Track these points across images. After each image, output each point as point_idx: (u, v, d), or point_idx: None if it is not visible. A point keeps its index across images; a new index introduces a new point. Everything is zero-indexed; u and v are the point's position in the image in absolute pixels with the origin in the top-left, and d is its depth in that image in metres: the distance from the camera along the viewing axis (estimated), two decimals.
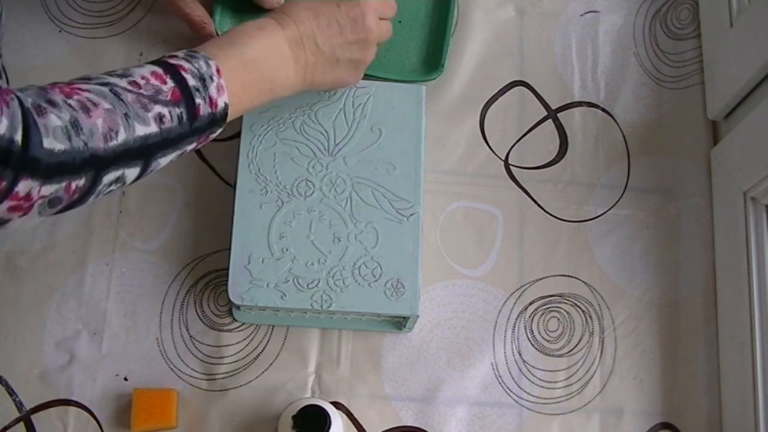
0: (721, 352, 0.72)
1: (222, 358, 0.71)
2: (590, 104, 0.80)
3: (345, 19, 0.63)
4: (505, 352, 0.72)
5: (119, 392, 0.69)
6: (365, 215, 0.67)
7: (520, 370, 0.72)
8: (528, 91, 0.80)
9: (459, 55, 0.80)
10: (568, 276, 0.75)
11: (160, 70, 0.53)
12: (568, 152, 0.78)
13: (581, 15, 0.83)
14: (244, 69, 0.57)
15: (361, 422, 0.70)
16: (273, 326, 0.71)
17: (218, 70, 0.55)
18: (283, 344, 0.71)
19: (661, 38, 0.82)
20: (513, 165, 0.78)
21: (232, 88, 0.56)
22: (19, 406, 0.68)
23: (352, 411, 0.70)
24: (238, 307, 0.67)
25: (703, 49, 0.81)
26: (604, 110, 0.80)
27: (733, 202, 0.72)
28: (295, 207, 0.67)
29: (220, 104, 0.55)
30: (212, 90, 0.54)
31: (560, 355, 0.73)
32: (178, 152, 0.55)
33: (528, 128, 0.79)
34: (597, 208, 0.77)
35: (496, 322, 0.73)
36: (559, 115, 0.80)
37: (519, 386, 0.72)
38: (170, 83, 0.52)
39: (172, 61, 0.54)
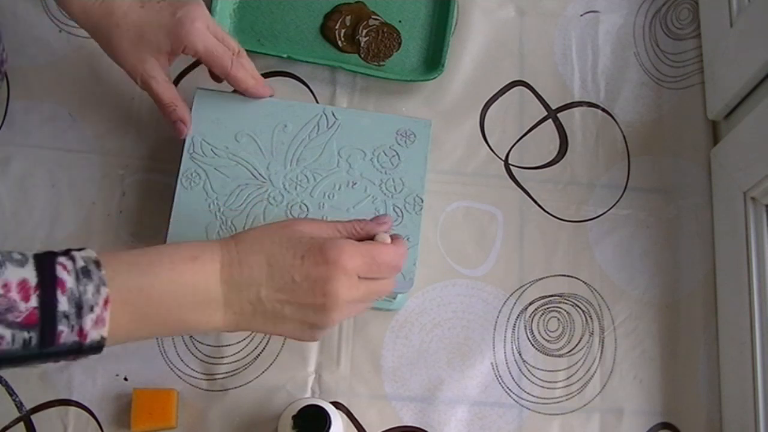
0: (721, 352, 0.72)
1: (222, 358, 0.71)
2: (590, 104, 0.80)
3: (302, 277, 0.51)
4: (505, 352, 0.72)
5: (119, 392, 0.69)
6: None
7: (520, 370, 0.72)
8: (528, 91, 0.80)
9: (459, 55, 0.80)
10: (568, 276, 0.75)
11: (31, 282, 0.44)
12: (568, 152, 0.78)
13: (581, 15, 0.83)
14: (145, 303, 0.49)
15: (361, 422, 0.70)
16: None
17: (106, 302, 0.46)
18: (283, 344, 0.71)
19: (661, 38, 0.82)
20: (513, 165, 0.78)
21: (120, 321, 0.47)
22: (19, 406, 0.68)
23: (352, 411, 0.70)
24: None
25: (703, 49, 0.81)
26: (604, 110, 0.80)
27: (733, 202, 0.72)
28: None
29: (93, 336, 0.46)
30: (86, 321, 0.46)
31: (560, 355, 0.73)
32: (24, 367, 0.47)
33: (528, 128, 0.79)
34: (597, 208, 0.77)
35: (496, 322, 0.73)
36: (559, 115, 0.80)
37: (519, 386, 0.72)
38: (33, 302, 0.44)
39: (59, 271, 0.46)
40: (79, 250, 0.48)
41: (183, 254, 0.51)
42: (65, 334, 0.45)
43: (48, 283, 0.45)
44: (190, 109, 0.68)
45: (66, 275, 0.46)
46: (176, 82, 0.77)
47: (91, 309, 0.46)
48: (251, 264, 0.52)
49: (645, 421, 0.71)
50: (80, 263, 0.47)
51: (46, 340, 0.45)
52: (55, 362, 0.47)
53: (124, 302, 0.47)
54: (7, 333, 0.44)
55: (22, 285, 0.44)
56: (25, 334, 0.44)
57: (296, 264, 0.52)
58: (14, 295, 0.44)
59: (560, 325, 0.73)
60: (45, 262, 0.46)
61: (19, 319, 0.44)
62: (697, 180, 0.77)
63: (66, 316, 0.45)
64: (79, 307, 0.45)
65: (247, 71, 0.67)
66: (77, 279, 0.46)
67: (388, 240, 0.57)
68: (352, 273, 0.52)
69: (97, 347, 0.47)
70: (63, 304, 0.45)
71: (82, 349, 0.46)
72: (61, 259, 0.46)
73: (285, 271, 0.52)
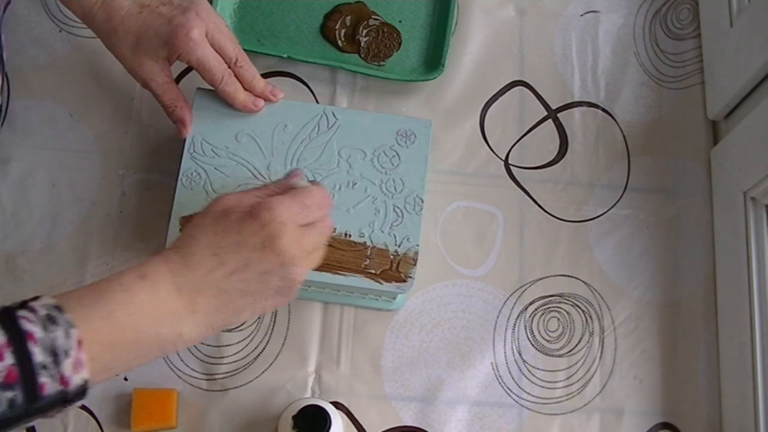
0: (721, 352, 0.72)
1: (222, 358, 0.71)
2: (590, 104, 0.80)
3: (250, 250, 0.52)
4: (505, 352, 0.72)
5: (119, 392, 0.69)
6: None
7: (520, 370, 0.72)
8: (528, 91, 0.80)
9: (459, 55, 0.80)
10: (568, 276, 0.75)
11: (1, 339, 0.43)
12: (568, 152, 0.78)
13: (581, 15, 0.83)
14: (115, 333, 0.48)
15: (361, 422, 0.70)
16: (273, 326, 0.71)
17: (80, 342, 0.45)
18: (283, 344, 0.71)
19: (661, 38, 0.82)
20: (513, 165, 0.78)
21: (98, 359, 0.47)
22: None
23: (352, 411, 0.70)
24: None
25: (703, 49, 0.81)
26: (604, 110, 0.80)
27: (733, 202, 0.72)
28: None
29: (75, 381, 0.45)
30: (66, 367, 0.45)
31: (560, 355, 0.73)
32: (16, 428, 0.45)
33: (528, 128, 0.79)
34: (597, 208, 0.77)
35: (496, 322, 0.73)
36: (559, 115, 0.80)
37: (519, 386, 0.72)
38: (8, 360, 0.43)
39: (25, 324, 0.44)
40: (35, 299, 0.47)
41: (131, 277, 0.50)
42: (48, 385, 0.44)
43: (18, 338, 0.43)
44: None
45: (32, 326, 0.44)
46: (176, 81, 0.76)
47: (67, 354, 0.45)
48: (198, 261, 0.52)
49: (645, 421, 0.71)
50: (42, 312, 0.45)
51: (31, 396, 0.44)
52: (48, 418, 0.46)
53: (95, 339, 0.47)
54: None
55: None
56: (9, 394, 0.43)
57: (239, 240, 0.52)
58: None
59: (560, 325, 0.73)
60: (6, 320, 0.44)
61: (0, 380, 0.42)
62: (697, 180, 0.77)
63: (44, 367, 0.44)
64: (55, 354, 0.44)
65: (238, 86, 0.67)
66: (44, 328, 0.45)
67: (308, 185, 0.58)
68: (291, 224, 0.53)
69: (82, 392, 0.46)
70: (38, 355, 0.44)
71: (68, 398, 0.45)
72: (22, 313, 0.45)
73: (232, 251, 0.52)
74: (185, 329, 0.51)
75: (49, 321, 0.45)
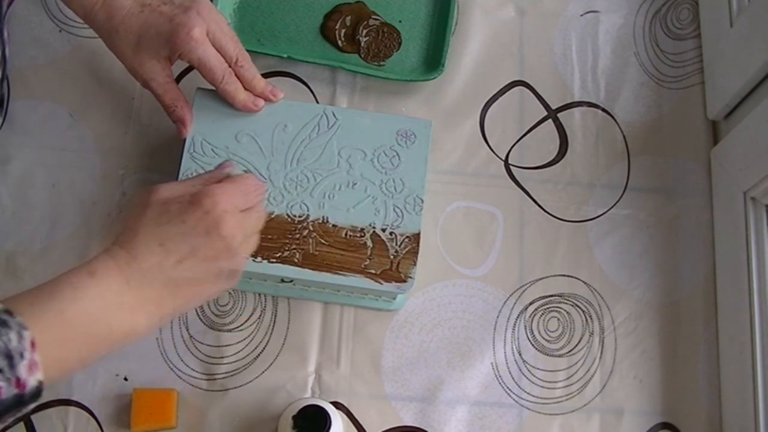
0: (721, 352, 0.72)
1: (222, 358, 0.71)
2: (590, 104, 0.80)
3: (195, 237, 0.54)
4: (505, 352, 0.72)
5: (119, 392, 0.69)
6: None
7: (520, 370, 0.72)
8: (528, 91, 0.80)
9: (459, 55, 0.80)
10: (568, 276, 0.75)
11: None
12: (568, 152, 0.78)
13: (581, 15, 0.83)
14: (66, 330, 0.48)
15: (361, 422, 0.70)
16: (273, 326, 0.71)
17: (33, 344, 0.45)
18: (283, 344, 0.71)
19: (661, 38, 0.82)
20: (513, 165, 0.78)
21: (52, 357, 0.47)
22: None
23: (352, 411, 0.70)
24: None
25: (703, 49, 0.81)
26: (604, 110, 0.80)
27: (733, 202, 0.72)
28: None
29: (31, 383, 0.45)
30: (21, 369, 0.44)
31: (560, 355, 0.73)
32: None
33: (528, 128, 0.79)
34: (597, 208, 0.77)
35: (496, 322, 0.73)
36: (559, 115, 0.80)
37: (519, 386, 0.72)
38: None
39: None
40: None
41: (79, 274, 0.51)
42: (4, 389, 0.43)
43: None
44: None
45: None
46: (177, 81, 0.77)
47: (21, 356, 0.44)
48: (145, 253, 0.52)
49: (645, 421, 0.71)
50: None
51: None
52: (2, 424, 0.45)
53: (47, 339, 0.46)
54: None
55: None
56: None
57: (183, 229, 0.53)
58: None
59: (560, 325, 0.73)
60: None
61: None
62: (697, 180, 0.77)
63: (0, 370, 0.43)
64: (10, 358, 0.44)
65: (238, 85, 0.67)
66: None
67: (241, 173, 0.61)
68: (233, 209, 0.55)
69: (37, 393, 0.46)
70: None
71: (23, 400, 0.45)
72: None
73: (178, 240, 0.53)
74: (137, 321, 0.52)
75: (1, 325, 0.44)
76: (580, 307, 0.74)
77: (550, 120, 0.79)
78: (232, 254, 0.55)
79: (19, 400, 0.45)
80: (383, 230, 0.66)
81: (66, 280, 0.50)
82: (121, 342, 0.52)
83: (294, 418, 0.59)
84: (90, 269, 0.51)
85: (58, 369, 0.48)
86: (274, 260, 0.65)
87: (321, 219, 0.66)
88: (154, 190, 0.56)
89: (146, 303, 0.52)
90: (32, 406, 0.46)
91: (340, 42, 0.80)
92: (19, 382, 0.44)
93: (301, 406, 0.60)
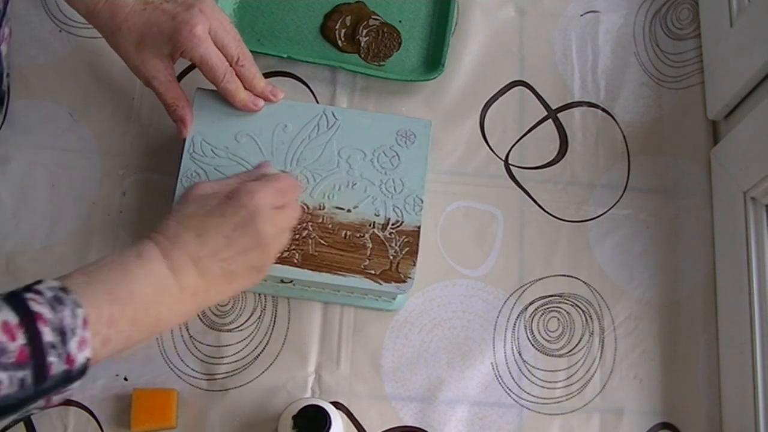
0: (721, 352, 0.72)
1: (222, 358, 0.71)
2: (590, 104, 0.80)
3: (231, 230, 0.56)
4: (505, 352, 0.72)
5: (119, 392, 0.69)
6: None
7: (520, 370, 0.72)
8: (528, 91, 0.80)
9: (459, 55, 0.80)
10: (568, 276, 0.75)
11: (13, 321, 0.44)
12: (568, 152, 0.78)
13: (581, 15, 0.83)
14: (115, 309, 0.50)
15: (361, 422, 0.70)
16: (273, 326, 0.71)
17: (85, 321, 0.47)
18: (283, 344, 0.71)
19: (661, 38, 0.82)
20: (513, 165, 0.78)
21: (100, 335, 0.48)
22: None
23: (352, 411, 0.70)
24: None
25: (703, 49, 0.81)
26: (604, 110, 0.80)
27: (733, 202, 0.72)
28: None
29: (79, 360, 0.47)
30: (72, 346, 0.46)
31: (560, 355, 0.73)
32: (16, 417, 0.46)
33: (528, 128, 0.79)
34: (597, 208, 0.77)
35: (496, 322, 0.73)
36: (559, 115, 0.80)
37: (519, 386, 0.72)
38: (20, 340, 0.44)
39: (33, 305, 0.45)
40: (38, 283, 0.48)
41: (128, 256, 0.53)
42: (55, 364, 0.45)
43: (29, 319, 0.45)
44: None
45: (41, 308, 0.46)
46: (177, 80, 0.77)
47: (74, 332, 0.46)
48: (183, 244, 0.55)
49: (645, 421, 0.71)
50: (49, 294, 0.47)
51: (39, 376, 0.45)
52: (45, 403, 0.47)
53: (97, 317, 0.48)
54: (4, 376, 0.43)
55: (5, 326, 0.44)
56: (20, 374, 0.44)
57: (221, 222, 0.57)
58: (1, 337, 0.43)
59: (560, 325, 0.73)
60: (16, 301, 0.45)
61: (11, 360, 0.43)
62: (697, 180, 0.77)
63: (53, 346, 0.45)
64: (63, 334, 0.46)
65: (239, 84, 0.67)
66: (52, 309, 0.46)
67: (278, 172, 0.64)
68: (268, 207, 0.58)
69: (83, 370, 0.47)
70: (47, 335, 0.45)
71: (71, 376, 0.47)
72: (29, 295, 0.46)
73: (215, 233, 0.56)
74: (179, 307, 0.55)
75: (57, 302, 0.46)
76: (580, 307, 0.74)
77: (550, 120, 0.79)
78: (265, 248, 0.58)
79: (67, 377, 0.47)
80: (383, 230, 0.66)
81: (116, 260, 0.53)
82: (162, 327, 0.54)
83: (294, 418, 0.59)
84: (137, 251, 0.54)
85: (104, 348, 0.49)
86: (274, 260, 0.65)
87: (321, 219, 0.66)
88: (194, 187, 0.61)
89: (184, 290, 0.55)
90: (77, 384, 0.48)
91: (340, 42, 0.80)
92: (69, 358, 0.46)
93: (301, 406, 0.60)
